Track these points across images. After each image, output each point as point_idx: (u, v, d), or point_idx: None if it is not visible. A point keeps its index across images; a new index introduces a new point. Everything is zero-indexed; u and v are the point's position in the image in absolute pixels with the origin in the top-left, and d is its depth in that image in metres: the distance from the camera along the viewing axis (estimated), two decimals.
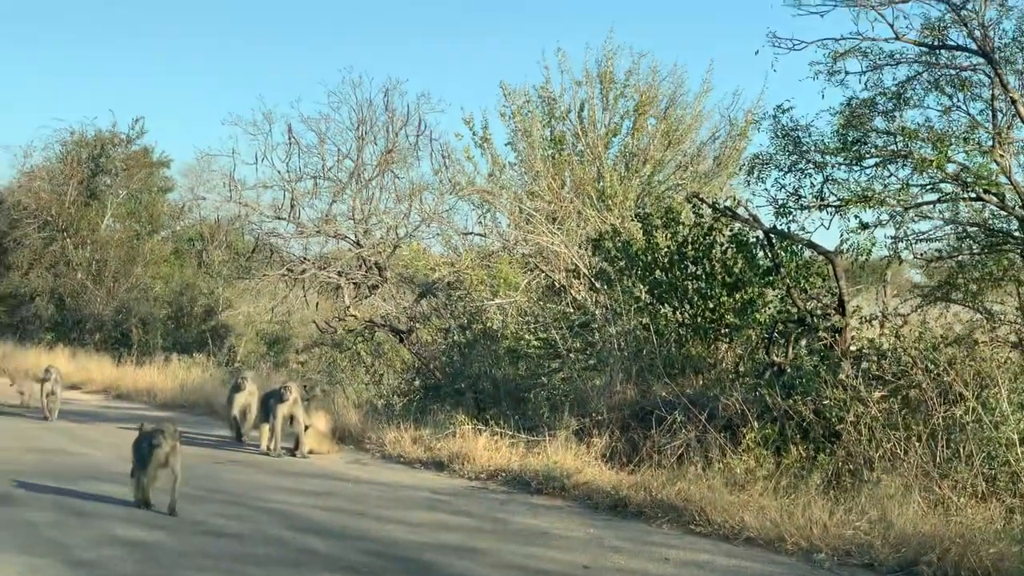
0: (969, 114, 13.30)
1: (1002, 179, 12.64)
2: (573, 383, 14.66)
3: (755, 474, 10.90)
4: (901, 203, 12.97)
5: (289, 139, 20.66)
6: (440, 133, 30.08)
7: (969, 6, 12.63)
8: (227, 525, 9.82)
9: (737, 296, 14.11)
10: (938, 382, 10.84)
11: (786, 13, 13.85)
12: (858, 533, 9.10)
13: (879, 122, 13.47)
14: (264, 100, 45.58)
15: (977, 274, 13.71)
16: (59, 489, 11.26)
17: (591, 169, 21.31)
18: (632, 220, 17.89)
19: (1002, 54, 12.75)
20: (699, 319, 14.41)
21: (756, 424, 11.58)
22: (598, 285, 15.71)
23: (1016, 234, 13.11)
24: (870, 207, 12.85)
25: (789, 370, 12.43)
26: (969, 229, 13.79)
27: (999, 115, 13.07)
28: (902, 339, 11.95)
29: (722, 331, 14.32)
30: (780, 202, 13.61)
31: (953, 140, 12.81)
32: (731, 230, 14.38)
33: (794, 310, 13.21)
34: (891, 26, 12.97)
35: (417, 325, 18.81)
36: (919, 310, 13.76)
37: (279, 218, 20.67)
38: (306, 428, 14.65)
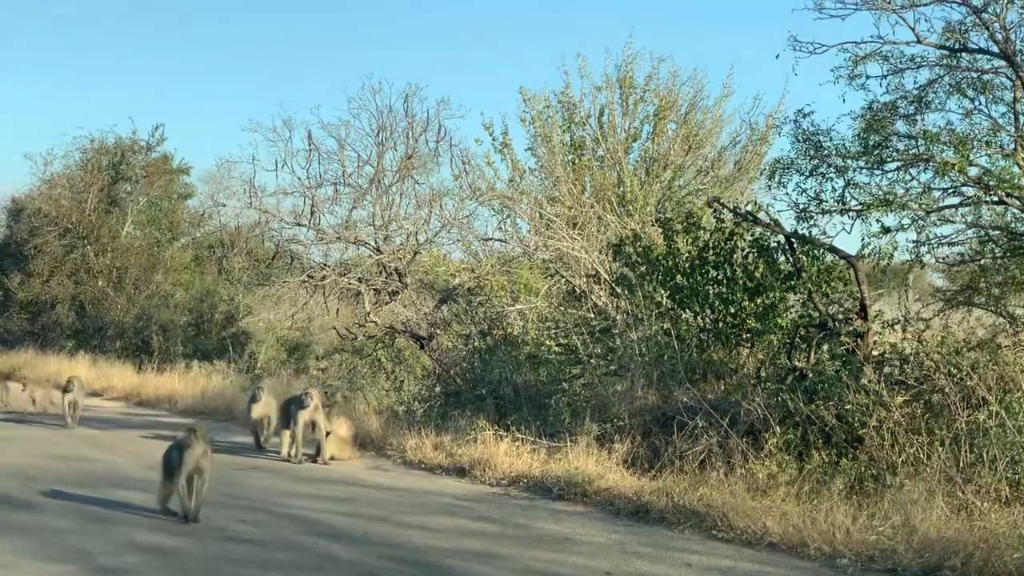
0: (991, 117, 13.22)
1: None
2: (594, 389, 14.63)
3: (777, 479, 10.87)
4: (923, 207, 12.90)
5: (309, 145, 20.69)
6: (460, 139, 30.19)
7: (990, 9, 12.56)
8: (249, 531, 9.85)
9: (758, 301, 14.07)
10: (961, 386, 10.80)
11: (807, 17, 13.82)
12: (881, 538, 9.06)
13: (900, 126, 13.41)
14: (284, 107, 45.67)
15: (1000, 278, 13.63)
16: (82, 496, 11.31)
17: (611, 174, 21.27)
18: (653, 225, 17.87)
19: None
20: (720, 324, 14.38)
21: (778, 429, 11.55)
22: (619, 290, 15.67)
23: None
24: (891, 211, 12.78)
25: (811, 375, 12.38)
26: (991, 233, 13.71)
27: (1021, 118, 12.99)
28: (924, 343, 11.91)
29: (743, 336, 14.28)
30: (801, 206, 13.55)
31: (975, 143, 12.74)
32: (752, 235, 14.35)
33: (816, 315, 13.16)
34: (912, 29, 12.92)
35: (437, 331, 18.82)
36: (941, 314, 13.69)
37: (299, 224, 20.70)
38: (327, 434, 14.67)
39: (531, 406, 14.98)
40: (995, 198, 12.69)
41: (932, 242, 13.46)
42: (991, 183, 12.43)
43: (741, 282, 14.20)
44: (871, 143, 13.13)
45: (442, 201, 20.65)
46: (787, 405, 11.72)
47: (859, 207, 13.07)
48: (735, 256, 14.47)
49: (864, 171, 13.33)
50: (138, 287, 33.50)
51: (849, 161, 13.27)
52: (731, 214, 14.48)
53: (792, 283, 13.82)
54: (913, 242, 13.32)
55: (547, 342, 16.50)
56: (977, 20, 12.64)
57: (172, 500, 10.30)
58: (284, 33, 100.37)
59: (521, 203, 20.52)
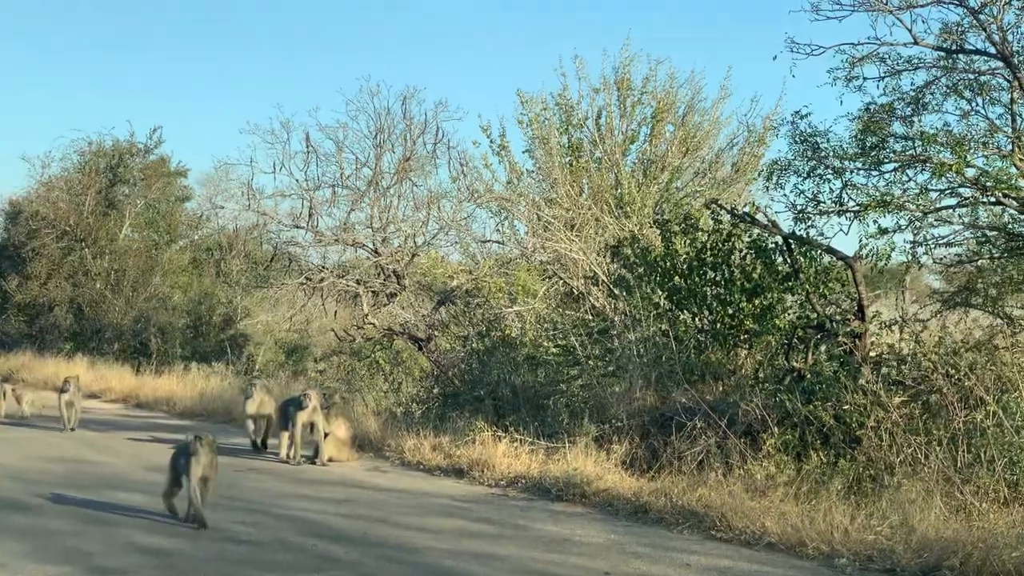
0: (988, 118, 13.25)
1: (1022, 183, 12.59)
2: (592, 390, 14.65)
3: (776, 480, 10.89)
4: (920, 208, 12.93)
5: (307, 148, 20.62)
6: (458, 141, 30.23)
7: (988, 10, 12.58)
8: (247, 532, 9.85)
9: (756, 302, 14.08)
10: (959, 387, 10.83)
11: (804, 19, 13.82)
12: (879, 538, 9.07)
13: (897, 127, 13.43)
14: (282, 109, 45.42)
15: (997, 278, 13.67)
16: (80, 498, 11.32)
17: (609, 176, 21.29)
18: (650, 227, 17.87)
19: (1021, 58, 12.70)
20: (718, 325, 14.40)
21: (776, 430, 11.57)
22: (617, 292, 15.68)
23: None
24: (889, 212, 12.80)
25: (809, 376, 12.39)
26: (989, 233, 13.74)
27: (1018, 119, 13.02)
28: (922, 344, 11.93)
29: (741, 337, 14.30)
30: (799, 208, 13.58)
31: (972, 144, 12.76)
32: (750, 236, 14.36)
33: (813, 315, 13.18)
34: (909, 30, 12.94)
35: (436, 333, 18.82)
36: (939, 315, 13.72)
37: (297, 227, 20.65)
38: (326, 436, 14.68)
39: (529, 407, 14.99)
40: (992, 199, 12.72)
41: (929, 243, 13.51)
42: (988, 184, 12.45)
43: (739, 283, 14.22)
44: (868, 144, 13.16)
45: (440, 203, 20.61)
46: (785, 406, 11.74)
47: (856, 208, 13.09)
48: (733, 257, 14.48)
49: (861, 172, 13.36)
50: (136, 289, 33.48)
51: (846, 162, 13.29)
52: (729, 215, 14.50)
53: (790, 284, 13.83)
54: (910, 243, 13.37)
55: (545, 343, 16.50)
56: (974, 21, 12.67)
57: (177, 504, 10.29)
58: (282, 35, 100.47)
59: (519, 205, 20.53)
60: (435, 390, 18.22)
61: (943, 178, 12.71)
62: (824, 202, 13.45)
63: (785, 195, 13.77)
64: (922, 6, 12.93)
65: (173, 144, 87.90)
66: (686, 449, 11.99)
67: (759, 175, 17.36)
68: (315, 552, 9.13)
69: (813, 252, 13.66)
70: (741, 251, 14.46)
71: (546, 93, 22.35)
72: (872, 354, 12.33)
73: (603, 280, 16.59)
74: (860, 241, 13.21)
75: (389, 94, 35.50)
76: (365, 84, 38.13)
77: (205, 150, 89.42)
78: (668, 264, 14.96)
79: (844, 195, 13.37)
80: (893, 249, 13.15)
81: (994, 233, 13.63)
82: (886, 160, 13.16)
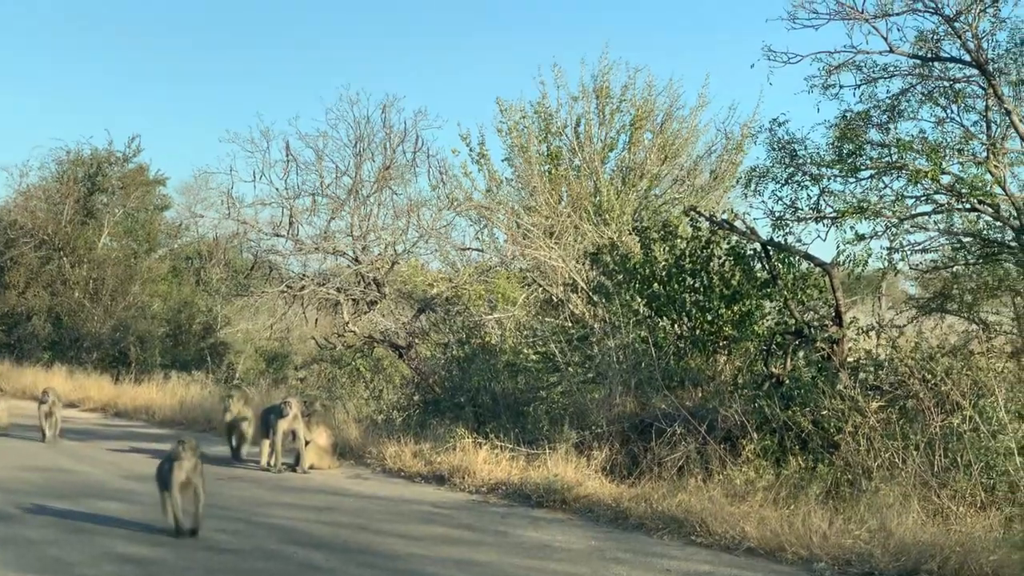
0: (963, 125, 13.38)
1: (997, 190, 12.70)
2: (572, 396, 14.67)
3: (755, 485, 10.94)
4: (896, 214, 13.03)
5: (287, 156, 20.61)
6: (437, 149, 30.23)
7: (963, 18, 12.70)
8: (229, 540, 9.84)
9: (735, 308, 14.15)
10: (935, 392, 10.90)
11: (781, 27, 13.92)
12: (858, 542, 9.12)
13: (874, 134, 13.54)
14: (262, 118, 45.52)
15: (972, 284, 13.79)
16: (60, 508, 11.28)
17: (588, 184, 21.37)
18: (630, 234, 17.94)
19: (996, 65, 12.83)
20: (697, 331, 14.45)
21: (755, 435, 11.63)
22: (596, 299, 15.74)
23: (1011, 244, 13.16)
24: (866, 219, 12.89)
25: (787, 381, 12.46)
26: (964, 240, 13.86)
27: (993, 126, 13.15)
28: (899, 350, 12.01)
29: (720, 343, 14.36)
30: (777, 214, 13.67)
31: (947, 151, 12.88)
32: (728, 243, 14.42)
33: (792, 322, 13.25)
34: (885, 39, 13.05)
35: (416, 340, 18.83)
36: (915, 321, 13.82)
37: (277, 235, 20.63)
38: (307, 443, 14.66)
39: (510, 414, 15.02)
40: (967, 205, 12.84)
41: (905, 249, 13.61)
42: (963, 191, 12.57)
43: (718, 290, 14.28)
44: (845, 151, 13.26)
45: (420, 211, 20.63)
46: (764, 411, 11.81)
47: (834, 214, 13.18)
48: (712, 264, 14.55)
49: (838, 179, 13.46)
50: (115, 298, 33.33)
51: (824, 169, 13.39)
52: (707, 222, 14.56)
53: (768, 290, 13.90)
54: (887, 249, 13.47)
55: (525, 350, 16.55)
56: (949, 29, 12.78)
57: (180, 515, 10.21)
58: (262, 44, 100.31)
59: (498, 213, 20.60)
60: (416, 397, 18.22)
61: (919, 185, 12.83)
62: (802, 209, 13.54)
63: (763, 202, 13.88)
64: (897, 14, 13.07)
65: (152, 153, 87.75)
66: (666, 455, 12.03)
67: (737, 182, 17.49)
68: (296, 560, 9.13)
69: (791, 258, 13.72)
70: (720, 258, 14.52)
71: (525, 101, 22.49)
72: (850, 360, 12.40)
73: (582, 287, 16.64)
74: (837, 247, 13.31)
75: (369, 103, 35.79)
76: (345, 93, 38.16)
77: (184, 159, 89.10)
78: (647, 271, 15.01)
79: (821, 202, 13.47)
80: (870, 255, 13.25)
81: (969, 239, 13.75)
82: (863, 167, 13.26)
